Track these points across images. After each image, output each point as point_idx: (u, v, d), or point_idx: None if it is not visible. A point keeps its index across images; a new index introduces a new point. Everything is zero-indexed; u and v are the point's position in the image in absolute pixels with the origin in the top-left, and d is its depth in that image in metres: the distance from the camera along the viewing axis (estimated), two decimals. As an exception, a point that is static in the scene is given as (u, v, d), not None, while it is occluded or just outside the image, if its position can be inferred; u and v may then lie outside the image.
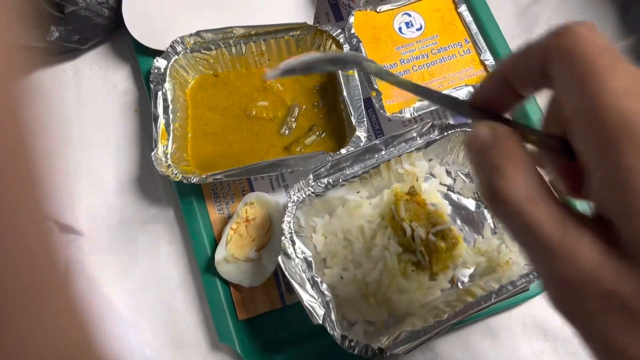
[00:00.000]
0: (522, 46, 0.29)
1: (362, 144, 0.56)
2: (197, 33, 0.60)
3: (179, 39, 0.60)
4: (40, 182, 0.23)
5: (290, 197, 0.51)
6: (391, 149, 0.53)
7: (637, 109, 0.23)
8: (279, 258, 0.48)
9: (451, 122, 0.56)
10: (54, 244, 0.26)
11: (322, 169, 0.52)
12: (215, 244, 0.58)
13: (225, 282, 0.57)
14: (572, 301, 0.25)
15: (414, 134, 0.53)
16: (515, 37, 0.66)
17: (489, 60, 0.59)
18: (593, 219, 0.26)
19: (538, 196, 0.26)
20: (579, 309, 0.24)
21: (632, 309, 0.23)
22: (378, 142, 0.52)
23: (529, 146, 0.28)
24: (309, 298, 0.48)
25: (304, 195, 0.51)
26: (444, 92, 0.57)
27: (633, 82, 0.24)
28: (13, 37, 0.21)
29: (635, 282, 0.23)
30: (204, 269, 0.57)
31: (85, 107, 0.65)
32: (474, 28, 0.60)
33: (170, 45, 0.60)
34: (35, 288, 0.25)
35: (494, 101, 0.31)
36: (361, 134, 0.56)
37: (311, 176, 0.51)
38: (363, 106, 0.57)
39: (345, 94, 0.58)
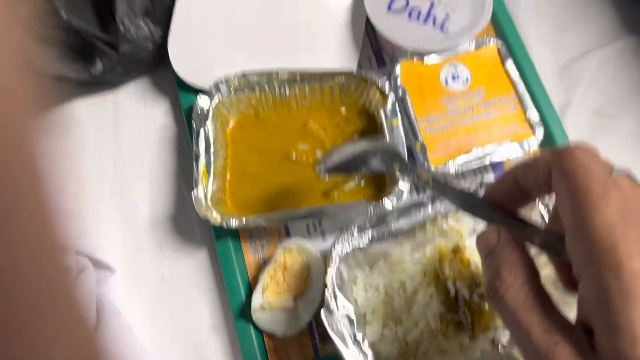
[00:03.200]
0: (531, 157, 0.33)
1: (404, 196, 0.55)
2: (243, 74, 0.60)
3: (223, 78, 0.60)
4: (56, 218, 0.22)
5: (334, 249, 0.50)
6: (438, 206, 0.52)
7: (623, 237, 0.27)
8: (322, 313, 0.47)
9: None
10: (75, 285, 0.26)
11: (367, 223, 0.51)
12: (249, 288, 0.57)
13: (259, 329, 0.56)
14: None
15: (461, 192, 0.52)
16: (558, 94, 0.66)
17: (534, 117, 0.58)
18: (578, 322, 0.30)
19: (530, 303, 0.30)
20: None
21: None
22: (425, 198, 0.52)
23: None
24: (350, 355, 0.47)
25: (348, 248, 0.51)
26: (488, 146, 0.57)
27: (622, 212, 0.27)
28: (35, 70, 0.21)
29: None
30: (238, 314, 0.56)
31: (122, 140, 0.64)
32: (520, 84, 0.60)
33: (214, 84, 0.60)
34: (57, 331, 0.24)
35: (506, 199, 0.35)
36: (404, 185, 0.56)
37: (356, 229, 0.51)
38: (406, 157, 0.57)
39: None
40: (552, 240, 0.33)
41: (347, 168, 0.47)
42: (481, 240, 0.35)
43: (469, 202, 0.37)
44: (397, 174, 0.46)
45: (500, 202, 0.36)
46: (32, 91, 0.21)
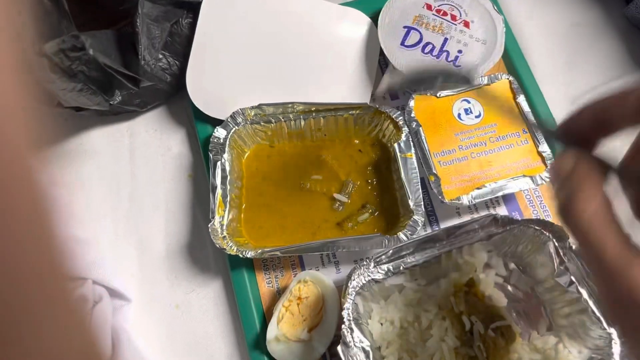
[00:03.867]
0: (617, 91, 0.32)
1: (418, 228, 0.56)
2: (259, 106, 0.61)
3: (240, 110, 0.61)
4: (63, 246, 0.22)
5: (350, 283, 0.50)
6: (452, 239, 0.53)
7: None
8: (339, 348, 0.47)
9: (509, 215, 0.57)
10: (85, 313, 0.26)
11: (383, 256, 0.51)
12: (263, 319, 0.58)
13: (273, 360, 0.56)
14: (625, 314, 0.28)
15: (476, 226, 0.53)
16: (568, 127, 0.66)
17: (547, 152, 0.59)
18: None
19: (606, 218, 0.29)
20: (631, 322, 0.28)
21: None
22: (440, 231, 0.52)
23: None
24: (366, 390, 0.47)
25: (364, 281, 0.51)
26: (501, 181, 0.57)
27: None
28: (29, 103, 0.21)
29: None
30: (252, 345, 0.56)
31: (138, 169, 0.65)
32: (531, 119, 0.61)
33: (231, 116, 0.61)
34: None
35: (582, 132, 0.34)
36: (419, 218, 0.56)
37: (372, 262, 0.51)
38: (420, 189, 0.58)
39: (402, 175, 0.58)
40: (631, 171, 0.32)
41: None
42: (557, 164, 0.34)
43: (546, 131, 0.36)
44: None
45: (576, 133, 0.35)
46: (39, 121, 0.21)
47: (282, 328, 0.55)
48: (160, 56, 0.62)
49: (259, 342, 0.56)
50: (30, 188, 0.21)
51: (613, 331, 0.48)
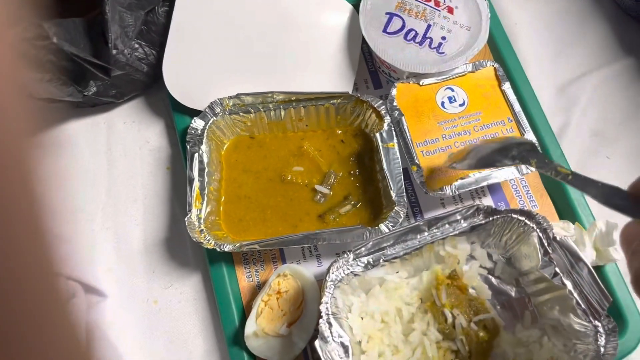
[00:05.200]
0: None
1: (400, 220, 0.54)
2: (237, 96, 0.60)
3: (218, 100, 0.60)
4: (51, 241, 0.22)
5: (328, 276, 0.49)
6: (434, 231, 0.51)
7: None
8: (316, 343, 0.46)
9: (493, 206, 0.55)
10: (68, 309, 0.26)
11: (363, 248, 0.50)
12: (243, 313, 0.56)
13: (252, 356, 0.54)
14: None
15: (458, 217, 0.51)
16: (555, 115, 0.65)
17: (532, 140, 0.58)
18: None
19: None
20: None
21: None
22: (421, 222, 0.51)
23: None
24: (345, 386, 0.46)
25: (343, 275, 0.50)
26: (485, 171, 0.56)
27: None
28: (28, 92, 0.21)
29: None
30: (231, 340, 0.55)
31: (116, 162, 0.64)
32: (517, 107, 0.59)
33: (209, 106, 0.60)
34: (51, 353, 0.24)
35: None
36: (401, 209, 0.55)
37: (351, 255, 0.50)
38: (402, 180, 0.56)
39: (385, 166, 0.57)
40: None
41: (484, 165, 0.49)
42: (626, 234, 0.34)
43: (613, 197, 0.35)
44: (533, 167, 0.45)
45: None
46: (28, 113, 0.21)
47: (261, 323, 0.53)
48: (137, 46, 0.61)
49: (239, 338, 0.55)
50: (23, 177, 0.21)
51: (599, 324, 0.47)
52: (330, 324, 0.48)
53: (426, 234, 0.51)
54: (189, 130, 0.59)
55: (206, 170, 0.58)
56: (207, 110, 0.60)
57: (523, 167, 0.56)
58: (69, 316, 0.26)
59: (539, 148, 0.51)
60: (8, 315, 0.20)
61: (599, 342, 0.47)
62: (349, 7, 0.66)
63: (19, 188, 0.20)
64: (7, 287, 0.20)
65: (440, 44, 0.61)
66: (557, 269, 0.49)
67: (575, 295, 0.48)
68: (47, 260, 0.22)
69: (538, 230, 0.50)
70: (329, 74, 0.64)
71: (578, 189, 0.39)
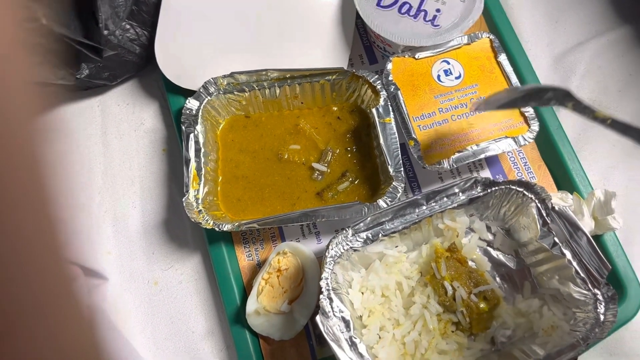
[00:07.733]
0: None
1: (398, 195, 0.54)
2: (231, 74, 0.59)
3: (212, 79, 0.59)
4: (58, 222, 0.23)
5: (327, 252, 0.49)
6: (432, 204, 0.51)
7: None
8: (318, 318, 0.46)
9: (492, 178, 0.55)
10: (74, 291, 0.26)
11: (362, 224, 0.50)
12: (244, 292, 0.57)
13: (255, 334, 0.55)
14: None
15: (456, 190, 0.51)
16: (552, 86, 0.65)
17: (529, 111, 0.57)
18: None
19: None
20: None
21: None
22: (419, 196, 0.51)
23: None
24: (347, 359, 0.46)
25: (342, 250, 0.50)
26: (483, 143, 0.55)
27: None
28: (31, 77, 0.22)
29: None
30: (233, 319, 0.55)
31: (111, 145, 0.63)
32: (513, 78, 0.59)
33: (203, 86, 0.59)
34: (59, 336, 0.24)
35: None
36: (399, 184, 0.55)
37: (350, 230, 0.50)
38: (400, 155, 0.56)
39: (382, 141, 0.56)
40: None
41: (514, 104, 0.49)
42: None
43: None
44: (570, 109, 0.44)
45: None
46: (31, 98, 0.22)
47: (262, 301, 0.54)
48: (128, 26, 0.60)
49: (240, 316, 0.55)
50: (29, 160, 0.21)
51: (598, 292, 0.47)
52: (331, 300, 0.48)
53: (424, 207, 0.51)
54: (183, 111, 0.58)
55: (202, 150, 0.57)
56: (201, 90, 0.59)
57: (520, 138, 0.56)
58: (74, 297, 0.26)
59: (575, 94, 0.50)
60: (17, 296, 0.21)
61: (598, 310, 0.47)
62: (342, -19, 0.65)
63: (26, 173, 0.21)
64: (15, 269, 0.20)
65: (434, 17, 0.60)
66: (556, 239, 0.49)
67: (575, 264, 0.48)
68: (53, 243, 0.23)
69: (536, 201, 0.50)
70: (323, 50, 0.64)
71: (618, 134, 0.37)
